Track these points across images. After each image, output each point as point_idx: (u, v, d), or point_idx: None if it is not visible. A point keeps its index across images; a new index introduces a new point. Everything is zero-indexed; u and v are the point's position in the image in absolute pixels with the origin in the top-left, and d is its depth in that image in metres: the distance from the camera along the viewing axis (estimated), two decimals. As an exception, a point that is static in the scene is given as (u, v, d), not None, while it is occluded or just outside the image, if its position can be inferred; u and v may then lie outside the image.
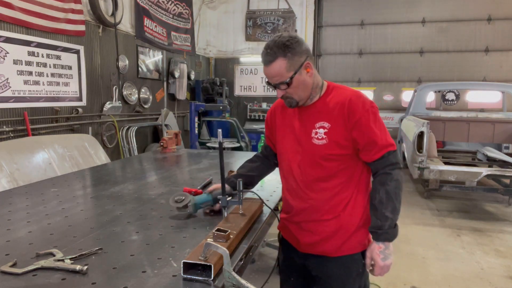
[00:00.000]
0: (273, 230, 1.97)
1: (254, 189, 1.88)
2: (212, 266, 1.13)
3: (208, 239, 1.26)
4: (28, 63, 4.36)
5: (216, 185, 1.76)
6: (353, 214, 1.56)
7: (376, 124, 1.49)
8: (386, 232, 1.48)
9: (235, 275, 1.11)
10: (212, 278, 1.13)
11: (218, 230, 1.34)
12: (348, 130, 1.49)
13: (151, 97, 7.06)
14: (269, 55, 1.46)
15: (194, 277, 1.14)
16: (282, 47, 1.44)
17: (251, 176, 1.82)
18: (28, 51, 4.34)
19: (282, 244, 1.84)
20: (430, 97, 7.45)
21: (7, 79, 4.10)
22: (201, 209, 1.75)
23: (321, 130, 1.53)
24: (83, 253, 1.29)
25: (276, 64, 1.46)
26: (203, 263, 1.14)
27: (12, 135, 4.11)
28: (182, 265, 1.15)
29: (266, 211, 1.83)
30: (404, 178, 1.55)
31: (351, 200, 1.55)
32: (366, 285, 1.67)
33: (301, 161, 1.59)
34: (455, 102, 8.36)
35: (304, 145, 1.57)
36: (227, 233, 1.32)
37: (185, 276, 1.15)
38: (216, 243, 1.17)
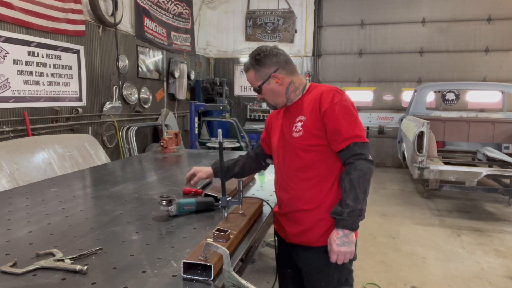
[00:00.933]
0: (273, 230, 1.97)
1: (253, 189, 1.89)
2: (212, 266, 1.13)
3: (208, 239, 1.26)
4: (28, 63, 4.36)
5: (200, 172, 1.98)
6: (333, 205, 1.60)
7: (344, 117, 1.58)
8: (344, 219, 1.50)
9: (235, 275, 1.11)
10: (212, 278, 1.13)
11: (218, 230, 1.34)
12: (320, 120, 1.61)
13: (151, 97, 7.06)
14: (245, 65, 1.73)
15: (194, 277, 1.14)
16: (252, 60, 1.69)
17: (233, 167, 1.96)
18: (28, 51, 4.34)
19: (277, 237, 1.91)
20: (430, 97, 7.44)
21: (7, 79, 4.10)
22: (185, 211, 1.75)
23: (299, 124, 1.67)
24: (83, 253, 1.29)
25: (248, 74, 1.72)
26: (203, 263, 1.14)
27: (12, 135, 4.11)
28: (182, 265, 1.15)
29: (266, 211, 1.83)
30: (372, 170, 1.56)
31: (331, 191, 1.65)
32: (347, 280, 1.70)
33: (284, 154, 1.74)
34: (455, 102, 8.36)
35: (287, 139, 1.73)
36: (227, 233, 1.32)
37: (185, 276, 1.15)
38: (216, 243, 1.17)
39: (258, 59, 1.67)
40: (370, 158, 1.57)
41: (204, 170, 1.95)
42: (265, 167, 2.03)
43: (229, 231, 1.35)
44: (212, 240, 1.26)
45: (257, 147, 2.02)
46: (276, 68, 1.67)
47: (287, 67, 1.70)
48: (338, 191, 1.62)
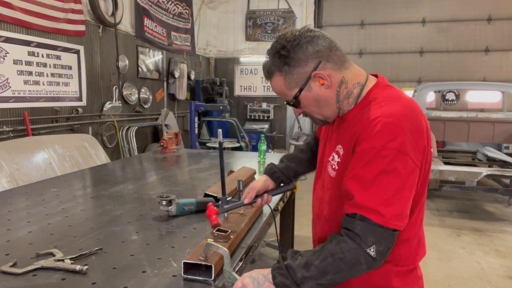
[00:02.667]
0: (273, 230, 1.97)
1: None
2: (213, 266, 1.13)
3: (209, 239, 1.26)
4: (28, 63, 4.36)
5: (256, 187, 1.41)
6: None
7: (372, 172, 0.98)
8: (281, 268, 1.02)
9: (236, 275, 1.11)
10: (212, 278, 1.13)
11: (218, 230, 1.34)
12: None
13: (151, 97, 7.06)
14: (265, 69, 1.15)
15: (194, 277, 1.14)
16: (275, 58, 1.10)
17: (297, 171, 1.51)
18: (28, 51, 4.34)
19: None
20: (430, 97, 7.45)
21: (7, 79, 4.10)
22: (185, 211, 1.75)
23: (336, 157, 1.15)
24: (83, 253, 1.29)
25: (274, 82, 1.14)
26: (203, 263, 1.14)
27: (12, 135, 4.11)
28: (182, 265, 1.15)
29: (266, 211, 1.83)
30: (357, 268, 0.98)
31: None
32: None
33: (320, 191, 1.26)
34: (455, 102, 8.36)
35: (323, 172, 1.24)
36: (227, 233, 1.32)
37: (185, 276, 1.15)
38: (216, 243, 1.17)
39: (284, 54, 1.07)
40: (372, 253, 0.97)
41: (259, 182, 1.43)
42: None
43: (230, 231, 1.35)
44: (212, 240, 1.26)
45: (313, 140, 1.57)
46: (317, 62, 1.08)
47: (333, 55, 1.09)
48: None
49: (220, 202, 1.66)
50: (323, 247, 1.01)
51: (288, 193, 2.85)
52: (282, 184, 1.45)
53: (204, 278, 1.13)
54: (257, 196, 1.40)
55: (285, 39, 1.08)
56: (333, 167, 1.15)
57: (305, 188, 4.41)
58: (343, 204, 1.06)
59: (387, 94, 1.09)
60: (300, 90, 1.11)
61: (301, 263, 1.00)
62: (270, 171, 1.45)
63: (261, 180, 1.43)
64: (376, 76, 1.18)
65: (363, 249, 0.96)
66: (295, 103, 1.14)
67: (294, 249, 1.09)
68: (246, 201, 1.37)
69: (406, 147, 0.97)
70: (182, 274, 1.15)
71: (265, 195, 1.41)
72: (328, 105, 1.13)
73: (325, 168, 1.21)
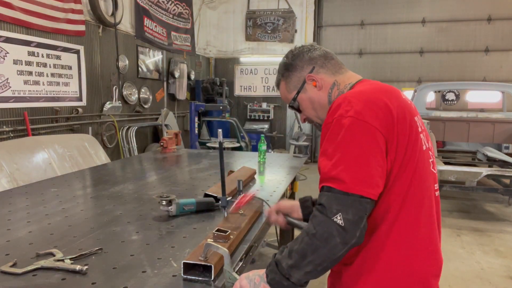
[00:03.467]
0: (273, 230, 1.97)
1: (254, 189, 1.86)
2: (213, 266, 1.13)
3: (208, 240, 1.26)
4: (28, 63, 4.36)
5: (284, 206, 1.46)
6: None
7: (332, 142, 1.01)
8: (270, 264, 1.05)
9: (236, 275, 1.11)
10: (212, 278, 1.13)
11: (218, 230, 1.34)
12: None
13: (151, 97, 7.06)
14: (276, 79, 1.34)
15: (194, 277, 1.14)
16: (281, 67, 1.29)
17: None
18: (28, 51, 4.34)
19: None
20: (430, 97, 7.45)
21: (7, 79, 4.10)
22: (185, 211, 1.75)
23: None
24: (83, 253, 1.29)
25: (280, 88, 1.32)
26: (203, 263, 1.14)
27: (12, 135, 4.11)
28: (182, 266, 1.15)
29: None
30: (330, 241, 0.95)
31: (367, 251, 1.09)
32: None
33: None
34: (455, 102, 8.36)
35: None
36: (227, 233, 1.32)
37: (185, 276, 1.15)
38: (216, 243, 1.17)
39: (287, 62, 1.26)
40: (339, 221, 0.94)
41: (287, 203, 1.45)
42: None
43: (229, 231, 1.35)
44: (212, 240, 1.26)
45: None
46: (311, 68, 1.22)
47: (328, 63, 1.23)
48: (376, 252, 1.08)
49: (220, 202, 1.67)
50: (301, 232, 1.02)
51: (288, 193, 2.86)
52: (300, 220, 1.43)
53: (204, 279, 1.13)
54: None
55: (291, 51, 1.29)
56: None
57: (305, 188, 4.41)
58: None
59: (364, 83, 1.18)
60: (298, 92, 1.25)
61: (285, 253, 1.02)
62: (303, 199, 1.45)
63: (290, 203, 1.45)
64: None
65: (330, 218, 0.94)
66: (294, 105, 1.28)
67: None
68: (266, 213, 1.48)
69: (362, 114, 0.99)
70: (182, 274, 1.15)
71: (281, 215, 1.44)
72: (322, 106, 1.23)
73: None
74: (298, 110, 1.29)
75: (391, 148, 1.03)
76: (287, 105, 1.32)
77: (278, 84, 1.33)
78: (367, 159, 0.98)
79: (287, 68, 1.27)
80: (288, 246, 1.04)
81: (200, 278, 1.14)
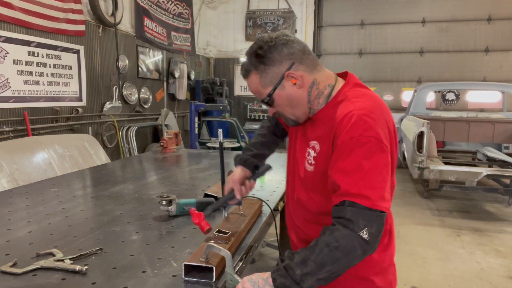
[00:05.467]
0: (273, 230, 1.97)
1: (254, 189, 1.85)
2: (214, 268, 1.13)
3: (210, 241, 1.26)
4: (28, 63, 4.36)
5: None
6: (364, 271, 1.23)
7: (354, 160, 1.05)
8: (279, 269, 1.05)
9: (238, 277, 1.11)
10: (214, 280, 1.13)
11: (219, 231, 1.34)
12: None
13: (151, 97, 7.06)
14: (243, 68, 1.23)
15: (196, 279, 1.14)
16: (252, 57, 1.18)
17: (266, 154, 1.56)
18: (28, 51, 4.34)
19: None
20: (430, 97, 7.45)
21: (7, 79, 4.10)
22: (185, 211, 1.75)
23: (312, 152, 1.21)
24: (83, 253, 1.29)
25: (250, 79, 1.21)
26: (204, 265, 1.13)
27: (12, 135, 4.11)
28: (183, 267, 1.15)
29: (266, 211, 1.83)
30: (354, 252, 1.01)
31: None
32: None
33: (294, 186, 1.33)
34: (455, 102, 8.36)
35: (298, 168, 1.29)
36: (228, 234, 1.32)
37: (186, 278, 1.14)
38: (217, 244, 1.17)
39: (261, 54, 1.16)
40: (365, 235, 1.01)
41: (236, 174, 1.43)
42: (283, 138, 1.60)
43: (230, 232, 1.35)
44: (213, 241, 1.26)
45: (274, 121, 1.57)
46: (290, 63, 1.15)
47: (306, 59, 1.17)
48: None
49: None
50: (318, 241, 1.04)
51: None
52: (257, 170, 1.47)
53: (205, 280, 1.13)
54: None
55: (262, 41, 1.17)
56: (310, 162, 1.21)
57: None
58: (325, 197, 1.15)
59: (356, 92, 1.18)
60: (274, 89, 1.17)
61: (298, 260, 1.03)
62: (242, 160, 1.47)
63: (237, 172, 1.43)
64: (346, 74, 1.26)
65: (356, 233, 1.00)
66: (269, 101, 1.20)
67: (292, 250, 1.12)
68: (238, 195, 1.38)
69: (379, 134, 1.06)
70: (183, 276, 1.15)
71: (247, 182, 1.43)
72: (300, 104, 1.20)
73: (301, 164, 1.27)
74: (270, 105, 1.23)
75: (392, 162, 1.14)
76: (260, 100, 1.24)
77: (247, 75, 1.22)
78: (384, 177, 1.07)
79: (262, 61, 1.16)
80: (299, 253, 1.05)
81: (202, 280, 1.13)
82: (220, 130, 1.59)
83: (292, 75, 1.15)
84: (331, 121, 1.14)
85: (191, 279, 1.14)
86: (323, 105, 1.20)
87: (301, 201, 1.30)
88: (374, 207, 1.02)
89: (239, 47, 9.56)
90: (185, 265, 1.14)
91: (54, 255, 1.27)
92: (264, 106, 9.42)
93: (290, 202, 1.40)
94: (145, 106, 6.89)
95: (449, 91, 8.24)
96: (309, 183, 1.24)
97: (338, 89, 1.20)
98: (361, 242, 1.01)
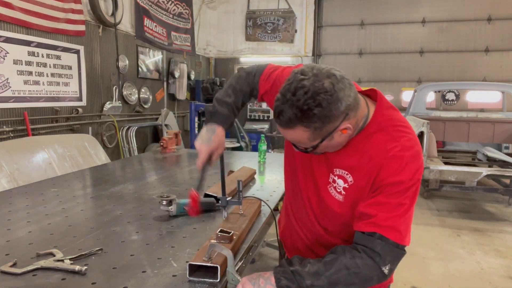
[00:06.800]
0: (273, 230, 1.97)
1: (253, 189, 1.85)
2: (219, 267, 1.13)
3: (212, 240, 1.26)
4: (28, 63, 4.36)
5: None
6: None
7: (397, 199, 1.05)
8: (285, 271, 1.06)
9: (239, 277, 1.11)
10: (218, 279, 1.13)
11: (221, 231, 1.34)
12: (370, 193, 1.09)
13: (151, 97, 7.06)
14: (285, 117, 1.00)
15: (200, 279, 1.14)
16: (303, 116, 0.98)
17: (238, 108, 1.51)
18: (28, 51, 4.34)
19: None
20: (430, 97, 7.45)
21: (7, 79, 4.10)
22: (185, 211, 1.75)
23: (341, 182, 1.15)
24: (83, 253, 1.29)
25: (294, 133, 1.04)
26: (209, 264, 1.13)
27: (12, 135, 4.11)
28: (187, 267, 1.15)
29: (266, 211, 1.83)
30: (370, 283, 1.06)
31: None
32: None
33: (319, 206, 1.27)
34: (455, 102, 8.36)
35: (321, 191, 1.23)
36: (230, 234, 1.32)
37: (191, 278, 1.14)
38: (220, 244, 1.17)
39: (316, 114, 0.97)
40: (386, 271, 1.04)
41: (222, 139, 1.34)
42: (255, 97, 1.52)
43: (232, 232, 1.35)
44: (215, 241, 1.26)
45: (255, 84, 1.47)
46: (344, 115, 1.02)
47: (356, 104, 1.05)
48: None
49: (220, 202, 1.67)
50: (336, 260, 1.05)
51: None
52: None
53: (211, 280, 1.13)
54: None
55: (316, 91, 0.97)
56: (338, 190, 1.17)
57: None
58: (347, 225, 1.15)
59: (390, 121, 1.13)
60: (322, 140, 1.05)
61: (311, 271, 1.04)
62: (226, 122, 1.38)
63: (218, 139, 1.31)
64: (372, 91, 1.19)
65: (380, 267, 1.04)
66: (311, 151, 1.10)
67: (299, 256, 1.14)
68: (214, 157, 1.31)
69: (422, 174, 1.10)
70: (188, 276, 1.14)
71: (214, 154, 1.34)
72: (341, 145, 1.13)
73: (323, 188, 1.22)
74: (306, 152, 1.11)
75: None
76: (296, 148, 1.12)
77: (290, 126, 1.02)
78: (413, 212, 1.11)
79: (321, 119, 0.98)
80: (312, 263, 1.06)
81: (207, 280, 1.13)
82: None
83: (347, 127, 1.04)
84: (367, 154, 1.09)
85: (196, 279, 1.14)
86: (353, 135, 1.11)
87: (317, 218, 1.28)
88: (401, 243, 1.05)
89: (239, 47, 9.56)
90: (190, 264, 1.14)
91: (54, 255, 1.27)
92: (264, 106, 9.43)
93: (292, 207, 1.39)
94: (145, 106, 6.89)
95: (449, 91, 8.24)
96: (335, 209, 1.19)
97: (371, 117, 1.13)
98: (380, 275, 1.05)
